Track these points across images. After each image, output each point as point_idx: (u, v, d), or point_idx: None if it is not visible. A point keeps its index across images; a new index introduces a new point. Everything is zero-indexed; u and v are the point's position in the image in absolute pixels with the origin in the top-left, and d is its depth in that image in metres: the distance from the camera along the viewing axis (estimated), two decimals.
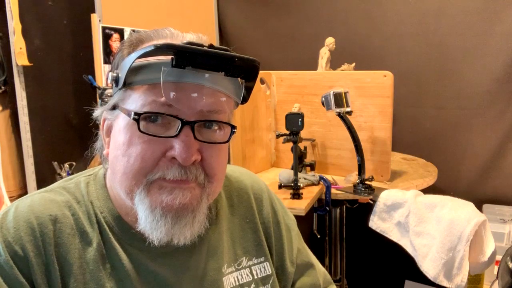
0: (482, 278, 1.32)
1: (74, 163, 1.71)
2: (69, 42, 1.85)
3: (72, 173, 1.66)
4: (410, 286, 1.82)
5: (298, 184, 1.39)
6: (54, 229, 0.57)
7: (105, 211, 0.61)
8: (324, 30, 1.96)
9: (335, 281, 1.10)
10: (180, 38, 0.61)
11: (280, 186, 1.45)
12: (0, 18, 1.61)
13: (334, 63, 1.78)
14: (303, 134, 1.47)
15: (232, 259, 0.69)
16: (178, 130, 0.54)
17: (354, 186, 1.47)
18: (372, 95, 1.55)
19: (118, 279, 0.58)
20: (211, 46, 0.53)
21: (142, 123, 0.54)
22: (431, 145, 1.94)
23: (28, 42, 1.63)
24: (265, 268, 0.72)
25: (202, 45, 0.53)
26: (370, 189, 1.44)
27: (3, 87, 1.65)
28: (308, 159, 1.67)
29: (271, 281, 0.71)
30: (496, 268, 1.27)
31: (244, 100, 0.60)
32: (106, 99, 0.60)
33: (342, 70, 1.77)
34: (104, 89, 0.61)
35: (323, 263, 1.29)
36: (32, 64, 1.64)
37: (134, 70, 0.54)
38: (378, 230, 1.36)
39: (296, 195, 1.38)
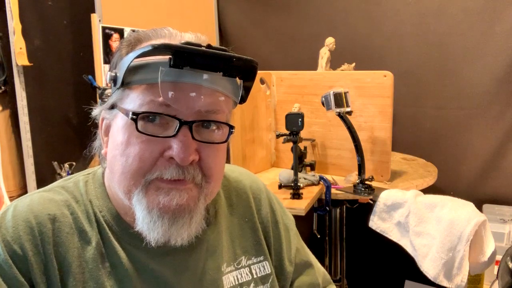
0: (482, 278, 1.32)
1: (74, 163, 1.71)
2: (69, 42, 1.85)
3: (72, 173, 1.66)
4: (410, 286, 1.82)
5: (298, 184, 1.39)
6: (52, 228, 0.57)
7: (104, 210, 0.62)
8: (324, 30, 1.96)
9: (335, 281, 1.10)
10: (179, 38, 0.61)
11: (280, 186, 1.45)
12: (0, 18, 1.61)
13: (334, 63, 1.78)
14: (303, 134, 1.47)
15: (231, 258, 0.69)
16: (176, 130, 0.54)
17: (354, 186, 1.47)
18: (372, 95, 1.55)
19: (117, 278, 0.58)
20: (209, 46, 0.53)
21: (140, 123, 0.54)
22: (431, 145, 1.94)
23: (28, 42, 1.63)
24: (265, 267, 0.72)
25: (200, 45, 0.53)
26: (370, 189, 1.44)
27: (3, 87, 1.65)
28: (308, 159, 1.67)
29: (270, 280, 0.71)
30: (496, 268, 1.27)
31: (242, 100, 0.60)
32: (106, 99, 0.61)
33: (342, 70, 1.77)
34: (104, 89, 0.61)
35: (323, 263, 1.29)
36: (32, 64, 1.64)
37: (132, 70, 0.55)
38: (378, 230, 1.36)
39: (296, 195, 1.38)
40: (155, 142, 0.55)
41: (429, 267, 1.21)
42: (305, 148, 1.66)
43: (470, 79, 1.81)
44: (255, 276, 0.70)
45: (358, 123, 1.54)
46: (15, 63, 1.61)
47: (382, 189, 1.39)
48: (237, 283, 0.68)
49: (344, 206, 1.70)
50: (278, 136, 1.46)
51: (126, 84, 0.55)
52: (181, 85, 0.54)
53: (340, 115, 1.44)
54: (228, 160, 1.66)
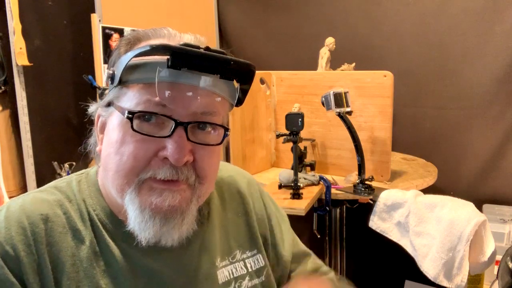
0: (482, 278, 1.32)
1: (74, 163, 1.71)
2: (69, 42, 1.85)
3: (72, 173, 1.66)
4: (410, 286, 1.82)
5: (298, 184, 1.39)
6: (45, 228, 0.57)
7: (97, 208, 0.62)
8: (324, 30, 1.96)
9: None
10: (178, 39, 0.61)
11: (280, 186, 1.45)
12: (0, 18, 1.61)
13: (334, 63, 1.78)
14: (303, 134, 1.47)
15: (226, 253, 0.69)
16: (171, 130, 0.54)
17: (354, 186, 1.47)
18: (372, 95, 1.55)
19: (112, 276, 0.58)
20: (207, 48, 0.53)
21: (135, 122, 0.54)
22: (431, 145, 1.94)
23: (28, 42, 1.63)
24: (258, 261, 0.72)
25: (198, 47, 0.53)
26: (370, 189, 1.44)
27: (3, 87, 1.65)
28: (308, 159, 1.67)
29: (264, 272, 0.72)
30: (496, 268, 1.27)
31: (239, 102, 0.60)
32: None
33: (342, 70, 1.77)
34: (104, 89, 0.61)
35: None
36: (32, 64, 1.64)
37: (130, 69, 0.55)
38: (378, 230, 1.36)
39: (296, 195, 1.38)
40: (150, 141, 0.55)
41: (429, 267, 1.21)
42: (305, 148, 1.66)
43: (470, 79, 1.81)
44: (250, 270, 0.70)
45: (358, 123, 1.54)
46: (15, 63, 1.61)
47: (382, 189, 1.39)
48: (232, 277, 0.68)
49: (344, 206, 1.70)
50: (278, 136, 1.46)
51: (123, 82, 0.56)
52: (178, 85, 0.54)
53: (340, 115, 1.44)
54: (228, 160, 1.66)
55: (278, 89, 1.76)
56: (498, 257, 1.19)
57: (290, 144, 1.46)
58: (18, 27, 1.59)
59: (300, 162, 1.57)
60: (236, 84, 0.59)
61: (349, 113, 1.45)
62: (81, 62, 1.84)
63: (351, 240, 1.83)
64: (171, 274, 0.62)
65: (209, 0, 2.34)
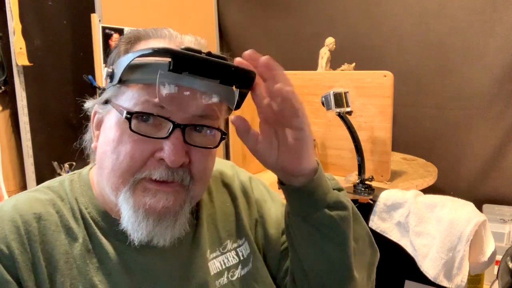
0: (482, 278, 1.32)
1: (74, 163, 1.71)
2: (69, 42, 1.85)
3: None
4: (410, 286, 1.82)
5: None
6: (38, 227, 0.57)
7: (90, 206, 0.62)
8: (324, 30, 1.96)
9: None
10: (179, 40, 0.61)
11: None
12: (0, 18, 1.61)
13: (334, 63, 1.78)
14: None
15: (216, 244, 0.69)
16: (168, 132, 0.55)
17: (354, 186, 1.47)
18: (372, 95, 1.55)
19: (106, 272, 0.59)
20: (209, 53, 0.53)
21: (133, 122, 0.55)
22: (431, 145, 1.93)
23: (28, 42, 1.63)
24: (246, 248, 0.72)
25: (200, 52, 0.53)
26: (370, 189, 1.44)
27: (3, 87, 1.65)
28: None
29: (251, 259, 0.71)
30: (496, 268, 1.27)
31: (238, 106, 0.60)
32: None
33: (342, 70, 1.77)
34: (104, 89, 0.61)
35: None
36: (32, 64, 1.64)
37: (130, 68, 0.55)
38: (378, 230, 1.36)
39: None
40: (147, 142, 0.55)
41: (429, 267, 1.21)
42: None
43: (470, 79, 1.81)
44: (241, 258, 0.70)
45: (358, 123, 1.54)
46: (15, 63, 1.61)
47: (382, 189, 1.39)
48: (224, 267, 0.68)
49: None
50: None
51: (122, 81, 0.56)
52: (177, 88, 0.54)
53: (340, 115, 1.44)
54: (228, 160, 1.67)
55: None
56: (498, 257, 1.19)
57: None
58: (18, 27, 1.59)
59: None
60: (235, 88, 0.59)
61: (349, 113, 1.45)
62: (81, 62, 1.85)
63: None
64: (164, 269, 0.62)
65: (209, 0, 2.35)
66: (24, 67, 1.64)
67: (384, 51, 1.98)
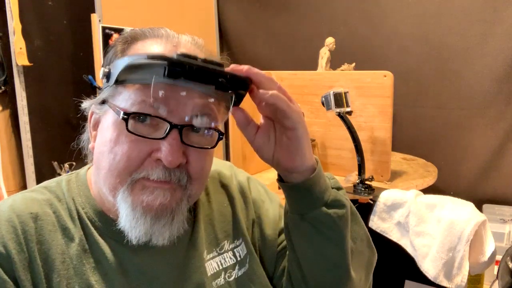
0: (482, 278, 1.32)
1: (74, 163, 1.71)
2: (69, 42, 1.85)
3: None
4: (410, 286, 1.82)
5: None
6: (35, 227, 0.57)
7: (86, 206, 0.62)
8: (324, 30, 1.96)
9: None
10: (176, 40, 0.61)
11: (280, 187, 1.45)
12: (0, 18, 1.61)
13: (334, 63, 1.78)
14: None
15: (213, 245, 0.69)
16: (166, 132, 0.55)
17: (354, 186, 1.47)
18: (372, 95, 1.55)
19: (102, 272, 0.59)
20: (204, 60, 0.53)
21: (130, 122, 0.55)
22: (431, 145, 1.94)
23: (28, 42, 1.63)
24: (243, 249, 0.72)
25: (196, 58, 0.53)
26: (370, 189, 1.44)
27: (3, 87, 1.65)
28: None
29: (248, 259, 0.71)
30: (496, 268, 1.27)
31: (236, 105, 0.60)
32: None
33: (342, 70, 1.77)
34: (102, 89, 0.61)
35: None
36: (32, 64, 1.64)
37: (126, 69, 0.54)
38: (378, 230, 1.36)
39: None
40: (144, 142, 0.55)
41: (429, 267, 1.21)
42: None
43: (470, 79, 1.81)
44: (238, 259, 0.70)
45: (358, 123, 1.54)
46: (15, 63, 1.62)
47: (382, 189, 1.39)
48: (220, 268, 0.68)
49: None
50: None
51: (119, 82, 0.55)
52: (173, 88, 0.54)
53: (340, 115, 1.44)
54: (227, 160, 1.66)
55: None
56: (498, 257, 1.19)
57: None
58: (18, 27, 1.59)
59: None
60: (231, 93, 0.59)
61: (349, 113, 1.45)
62: (81, 62, 1.85)
63: None
64: (161, 270, 0.62)
65: (209, 0, 2.35)
66: (24, 67, 1.64)
67: (384, 51, 1.98)
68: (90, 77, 1.65)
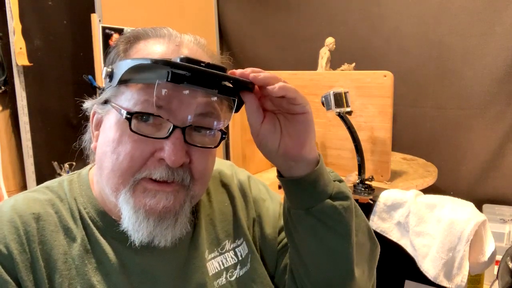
0: (482, 278, 1.32)
1: (74, 163, 1.71)
2: (69, 42, 1.85)
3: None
4: (410, 286, 1.82)
5: None
6: (37, 227, 0.57)
7: (88, 206, 0.62)
8: (324, 30, 1.96)
9: None
10: (178, 40, 0.61)
11: (280, 186, 1.45)
12: (0, 18, 1.61)
13: (334, 63, 1.78)
14: None
15: (214, 244, 0.69)
16: (169, 132, 0.54)
17: (354, 186, 1.47)
18: (372, 95, 1.55)
19: (104, 273, 0.59)
20: (208, 65, 0.53)
21: (133, 122, 0.54)
22: (431, 145, 1.94)
23: (28, 42, 1.63)
24: (244, 248, 0.72)
25: (199, 62, 0.53)
26: (370, 189, 1.44)
27: (3, 87, 1.65)
28: None
29: (249, 258, 0.71)
30: (496, 268, 1.28)
31: (238, 108, 0.60)
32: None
33: (342, 70, 1.77)
34: (104, 89, 0.61)
35: None
36: (32, 64, 1.64)
37: (129, 69, 0.54)
38: (378, 230, 1.36)
39: None
40: (147, 142, 0.55)
41: (429, 267, 1.21)
42: None
43: (470, 79, 1.81)
44: (240, 259, 0.70)
45: (358, 123, 1.54)
46: (15, 63, 1.62)
47: (382, 189, 1.39)
48: (222, 268, 0.68)
49: None
50: None
51: (122, 82, 0.55)
52: (176, 87, 0.54)
53: (340, 115, 1.44)
54: (228, 160, 1.67)
55: None
56: (498, 257, 1.20)
57: None
58: (18, 27, 1.59)
59: None
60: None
61: (349, 113, 1.45)
62: (81, 62, 1.85)
63: None
64: (162, 270, 0.62)
65: (209, 0, 2.35)
66: (24, 67, 1.64)
67: (384, 51, 1.98)
68: (90, 77, 1.65)
